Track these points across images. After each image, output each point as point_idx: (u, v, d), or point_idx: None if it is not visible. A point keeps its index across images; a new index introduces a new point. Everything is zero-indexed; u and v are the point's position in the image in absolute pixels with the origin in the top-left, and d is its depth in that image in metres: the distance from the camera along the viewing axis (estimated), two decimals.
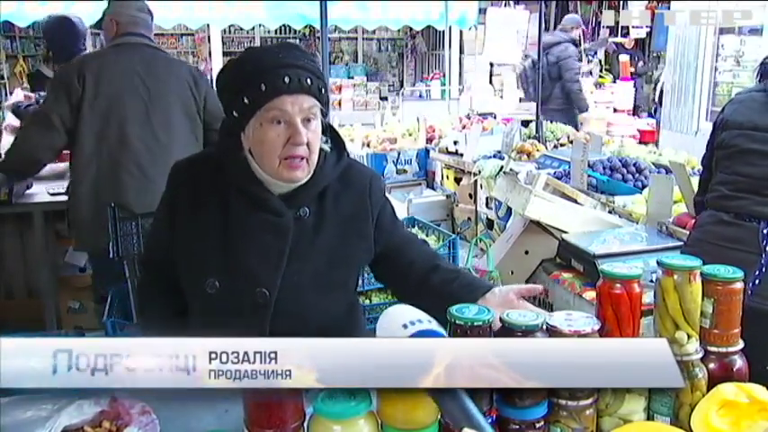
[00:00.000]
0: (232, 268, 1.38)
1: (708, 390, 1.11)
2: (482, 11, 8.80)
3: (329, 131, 1.46)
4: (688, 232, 2.15)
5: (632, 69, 8.72)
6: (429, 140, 5.64)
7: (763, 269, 1.68)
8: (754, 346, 1.17)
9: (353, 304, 1.57)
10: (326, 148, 1.44)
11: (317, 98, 1.35)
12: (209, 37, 8.99)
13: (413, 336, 0.83)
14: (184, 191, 1.45)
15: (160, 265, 1.52)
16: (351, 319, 1.55)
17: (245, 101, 1.32)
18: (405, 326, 0.84)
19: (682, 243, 2.47)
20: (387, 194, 1.59)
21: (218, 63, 8.54)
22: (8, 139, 3.51)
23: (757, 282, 1.68)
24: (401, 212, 4.84)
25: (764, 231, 1.71)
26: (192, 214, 1.42)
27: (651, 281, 1.21)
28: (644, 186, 3.31)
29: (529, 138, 5.04)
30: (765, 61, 1.87)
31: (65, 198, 3.25)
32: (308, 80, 1.32)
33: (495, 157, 4.54)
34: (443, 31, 9.11)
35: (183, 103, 2.64)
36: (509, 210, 3.94)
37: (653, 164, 3.73)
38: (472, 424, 0.74)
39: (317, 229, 1.42)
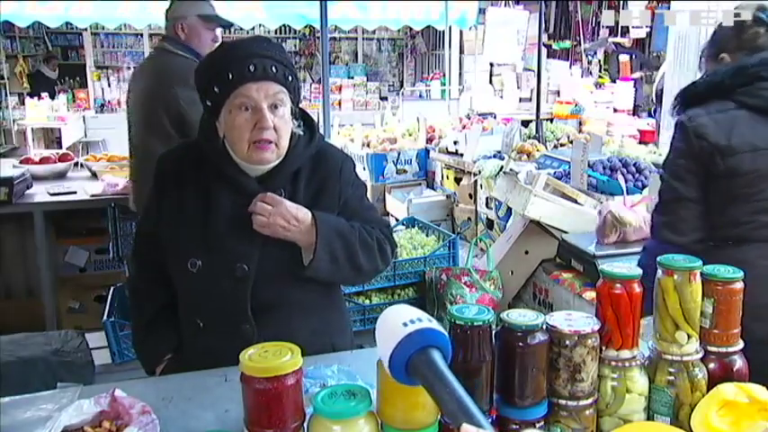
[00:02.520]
0: (212, 247, 1.46)
1: (708, 390, 1.11)
2: (482, 11, 8.80)
3: (301, 116, 1.54)
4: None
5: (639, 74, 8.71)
6: (429, 140, 5.65)
7: None
8: None
9: (331, 287, 1.62)
10: (299, 131, 1.53)
11: (284, 85, 1.43)
12: None
13: (411, 334, 0.83)
14: (169, 180, 1.53)
15: (149, 257, 1.59)
16: (330, 299, 1.62)
17: (216, 90, 1.42)
18: (405, 324, 0.84)
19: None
20: (359, 179, 1.66)
21: None
22: None
23: None
24: (401, 212, 4.84)
25: None
26: (176, 200, 1.50)
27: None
28: (644, 186, 3.31)
29: (529, 138, 5.05)
30: (745, 70, 1.68)
31: (65, 198, 3.27)
32: (273, 68, 1.41)
33: (495, 157, 4.54)
34: (443, 31, 9.10)
35: None
36: (509, 210, 3.94)
37: (653, 164, 3.73)
38: (471, 420, 0.74)
39: None
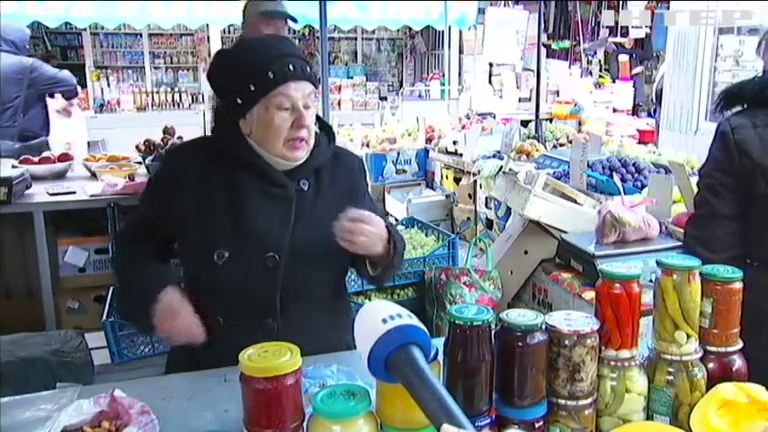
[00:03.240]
0: (242, 237, 1.47)
1: (707, 389, 1.11)
2: (481, 11, 8.80)
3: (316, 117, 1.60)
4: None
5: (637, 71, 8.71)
6: (428, 140, 5.65)
7: None
8: None
9: (342, 283, 1.68)
10: (316, 128, 1.56)
11: (314, 85, 1.48)
12: (208, 37, 8.99)
13: (390, 331, 0.82)
14: (183, 176, 1.52)
15: (143, 237, 1.59)
16: (342, 296, 1.69)
17: (252, 87, 1.43)
18: (384, 320, 0.83)
19: (681, 243, 2.48)
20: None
21: None
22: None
23: None
24: (400, 212, 4.84)
25: None
26: (198, 193, 1.49)
27: (651, 281, 1.21)
28: (643, 186, 3.31)
29: (528, 138, 5.05)
30: None
31: (64, 198, 3.26)
32: (308, 68, 1.46)
33: (494, 157, 4.55)
34: (443, 31, 9.10)
35: None
36: (508, 210, 3.94)
37: (652, 164, 3.73)
38: (452, 420, 0.73)
39: (316, 199, 1.54)
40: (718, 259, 1.54)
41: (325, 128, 1.61)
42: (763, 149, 1.52)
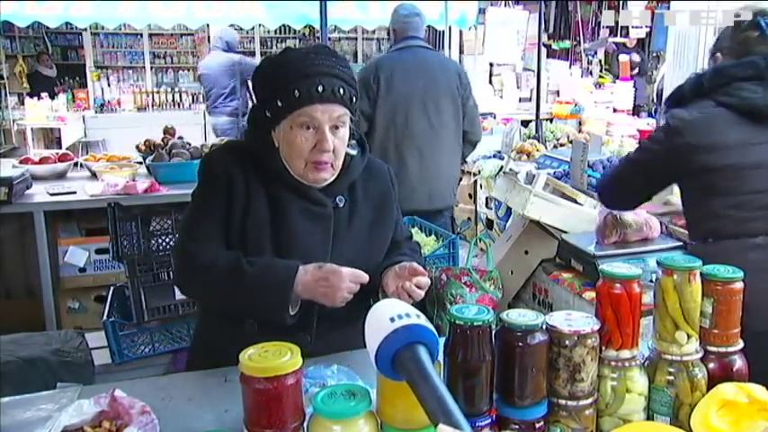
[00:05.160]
0: (282, 254, 1.45)
1: (707, 389, 1.11)
2: (482, 11, 8.78)
3: (355, 133, 1.55)
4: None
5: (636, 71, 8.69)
6: None
7: None
8: None
9: (371, 292, 1.62)
10: (352, 152, 1.53)
11: (348, 107, 1.41)
12: (208, 37, 8.95)
13: (398, 330, 0.83)
14: (232, 179, 1.46)
15: (209, 238, 1.47)
16: (369, 301, 1.61)
17: (279, 104, 1.38)
18: (392, 319, 0.84)
19: (681, 243, 2.48)
20: None
21: None
22: None
23: None
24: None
25: None
26: (241, 204, 1.45)
27: (651, 281, 1.21)
28: None
29: (528, 138, 5.04)
30: (723, 72, 1.75)
31: (65, 198, 3.26)
32: (341, 89, 1.38)
33: (494, 157, 4.54)
34: (443, 31, 9.08)
35: (451, 95, 3.34)
36: (509, 210, 3.94)
37: None
38: (449, 420, 0.74)
39: (352, 215, 1.53)
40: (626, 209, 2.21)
41: (360, 141, 1.57)
42: (694, 129, 1.73)
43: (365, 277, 1.41)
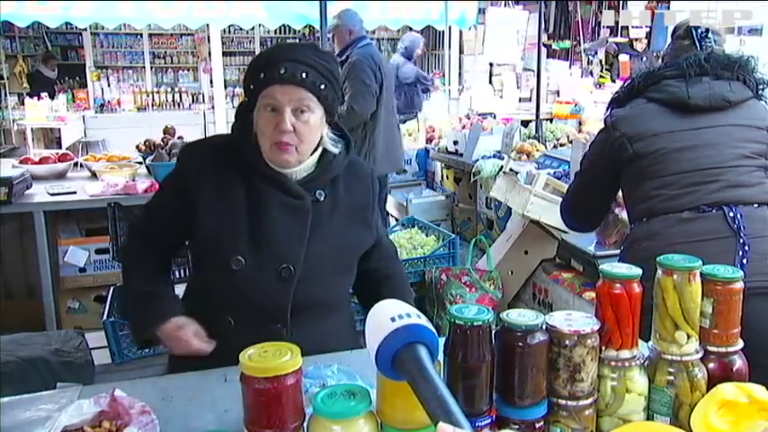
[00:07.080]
0: (258, 246, 1.48)
1: (707, 390, 1.11)
2: (482, 11, 8.79)
3: (338, 129, 1.59)
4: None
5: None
6: (429, 140, 5.64)
7: (746, 247, 1.68)
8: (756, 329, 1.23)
9: (350, 285, 1.68)
10: (334, 150, 1.56)
11: (312, 92, 1.45)
12: (208, 37, 8.96)
13: (398, 330, 0.83)
14: (204, 173, 1.52)
15: (154, 234, 1.62)
16: (348, 294, 1.69)
17: (251, 87, 1.47)
18: (393, 319, 0.84)
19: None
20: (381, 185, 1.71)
21: (217, 63, 8.51)
22: None
23: (745, 261, 1.66)
24: (401, 212, 4.84)
25: (731, 215, 1.72)
26: (216, 196, 1.50)
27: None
28: None
29: (528, 138, 5.04)
30: (653, 73, 1.92)
31: (65, 198, 3.27)
32: (305, 74, 1.43)
33: (494, 157, 4.54)
34: (443, 31, 9.09)
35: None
36: (509, 210, 3.94)
37: None
38: (449, 419, 0.74)
39: (332, 211, 1.55)
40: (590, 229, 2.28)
41: (343, 137, 1.60)
42: (627, 122, 1.90)
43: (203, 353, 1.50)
